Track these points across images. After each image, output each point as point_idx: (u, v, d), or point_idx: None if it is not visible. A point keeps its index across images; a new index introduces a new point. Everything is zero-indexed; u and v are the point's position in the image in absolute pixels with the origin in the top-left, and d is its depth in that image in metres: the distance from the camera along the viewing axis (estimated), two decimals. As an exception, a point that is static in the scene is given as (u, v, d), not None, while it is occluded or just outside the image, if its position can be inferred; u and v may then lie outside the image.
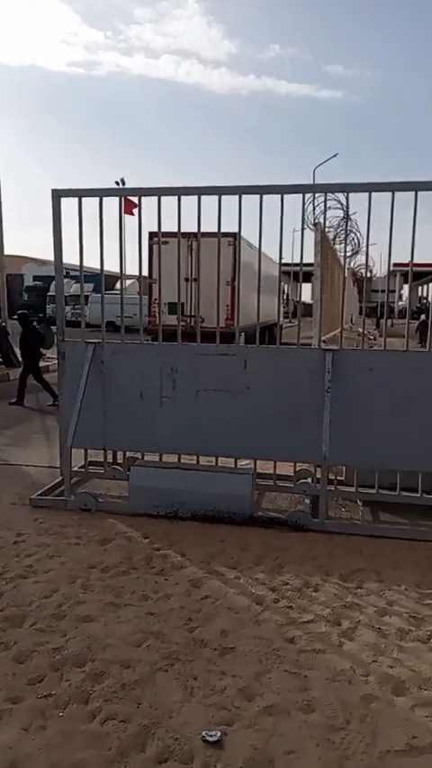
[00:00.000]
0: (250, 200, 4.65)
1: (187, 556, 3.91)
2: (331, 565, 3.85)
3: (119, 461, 5.61)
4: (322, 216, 4.88)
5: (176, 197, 4.76)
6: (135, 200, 4.95)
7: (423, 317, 21.86)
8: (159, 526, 4.43)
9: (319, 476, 4.88)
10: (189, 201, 4.76)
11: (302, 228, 4.55)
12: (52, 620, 3.12)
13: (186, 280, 5.15)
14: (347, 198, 4.44)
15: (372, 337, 17.53)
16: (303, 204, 4.48)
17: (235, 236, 4.84)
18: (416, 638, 3.05)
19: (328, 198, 4.75)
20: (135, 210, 5.01)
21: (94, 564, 3.78)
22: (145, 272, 5.10)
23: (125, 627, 3.06)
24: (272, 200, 4.62)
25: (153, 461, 5.20)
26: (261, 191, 4.60)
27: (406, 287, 44.32)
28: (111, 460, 5.58)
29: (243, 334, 5.51)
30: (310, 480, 5.19)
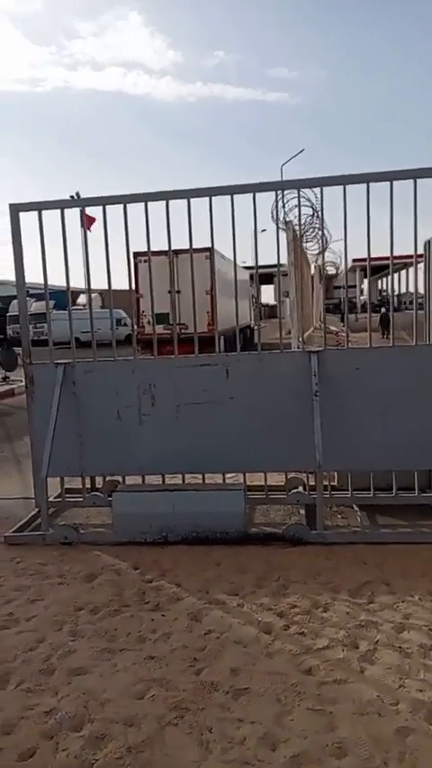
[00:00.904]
0: (219, 203, 4.44)
1: (183, 585, 3.60)
2: (337, 580, 3.61)
3: (98, 487, 5.27)
4: (291, 214, 4.70)
5: (143, 203, 4.50)
6: (99, 210, 4.67)
7: (383, 309, 21.98)
8: (149, 554, 4.11)
9: (311, 483, 4.66)
10: (156, 207, 4.53)
11: (277, 228, 4.36)
12: (41, 676, 2.77)
13: (169, 292, 5.10)
14: (322, 192, 4.27)
15: (344, 334, 17.53)
16: (276, 202, 4.31)
17: (209, 250, 4.73)
18: (440, 653, 2.83)
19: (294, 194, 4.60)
20: (95, 225, 4.80)
21: (82, 605, 3.44)
22: (117, 287, 4.91)
23: (123, 676, 2.74)
24: (240, 202, 4.43)
25: (136, 485, 4.88)
26: (232, 191, 4.38)
27: (365, 281, 45.29)
28: (89, 487, 5.24)
29: (222, 337, 5.39)
30: (302, 489, 4.97)
